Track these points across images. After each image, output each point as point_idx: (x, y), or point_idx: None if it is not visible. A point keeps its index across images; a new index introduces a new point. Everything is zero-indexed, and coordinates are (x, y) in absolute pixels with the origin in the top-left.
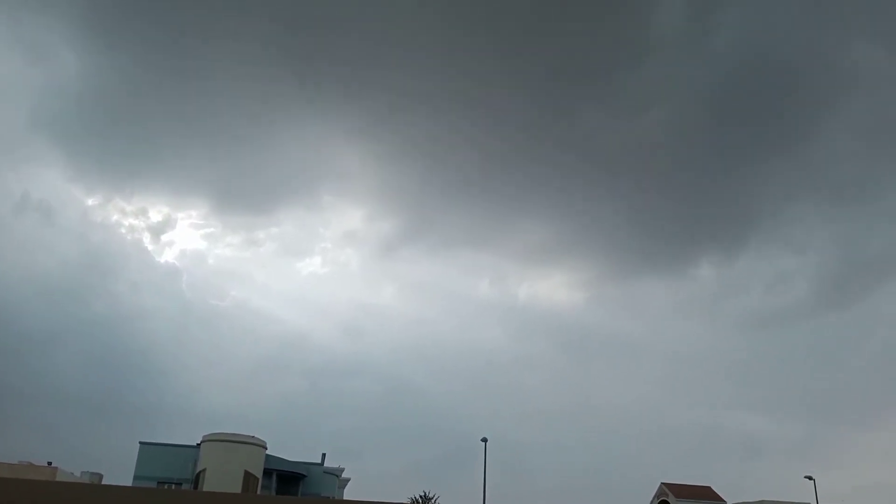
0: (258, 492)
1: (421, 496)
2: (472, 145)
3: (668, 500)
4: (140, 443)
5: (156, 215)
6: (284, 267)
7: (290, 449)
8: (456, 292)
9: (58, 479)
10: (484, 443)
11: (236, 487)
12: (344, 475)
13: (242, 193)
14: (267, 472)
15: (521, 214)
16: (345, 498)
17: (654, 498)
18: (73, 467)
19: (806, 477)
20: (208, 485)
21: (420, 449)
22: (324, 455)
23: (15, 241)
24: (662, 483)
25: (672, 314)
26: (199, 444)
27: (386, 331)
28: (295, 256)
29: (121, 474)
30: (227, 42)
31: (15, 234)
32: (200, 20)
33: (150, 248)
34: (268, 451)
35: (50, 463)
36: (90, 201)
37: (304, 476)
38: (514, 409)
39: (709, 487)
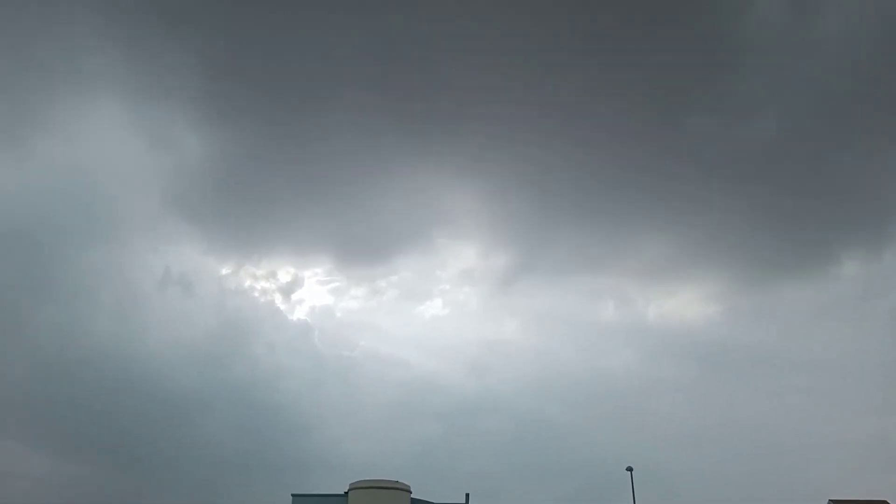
0: None
1: None
2: (579, 167)
3: None
4: (292, 495)
5: (284, 276)
6: (407, 312)
7: (433, 492)
8: (579, 319)
9: None
10: (629, 472)
11: None
12: None
13: (361, 245)
14: None
15: (639, 231)
16: None
17: None
18: None
19: None
20: None
21: (562, 484)
22: (467, 495)
23: (162, 315)
24: (830, 501)
25: (815, 318)
26: (346, 493)
27: (512, 366)
28: (416, 301)
29: None
30: (332, 101)
31: (161, 308)
32: (303, 83)
33: (281, 307)
34: (413, 495)
35: None
36: (224, 270)
37: None
38: (657, 435)
39: (885, 502)
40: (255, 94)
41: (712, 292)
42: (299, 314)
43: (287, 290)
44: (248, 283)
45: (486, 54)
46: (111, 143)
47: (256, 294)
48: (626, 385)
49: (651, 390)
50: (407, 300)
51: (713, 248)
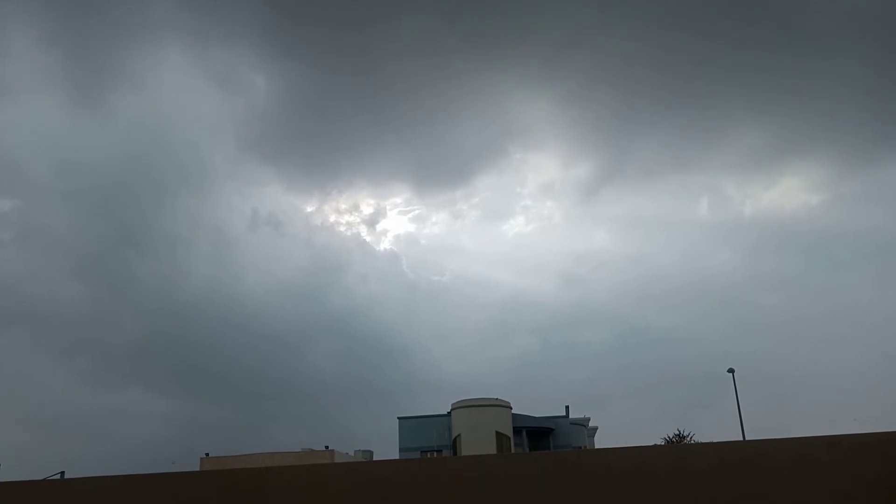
0: (512, 449)
1: (675, 435)
2: (660, 55)
3: None
4: (398, 418)
5: (367, 208)
6: (490, 232)
7: (535, 406)
8: (672, 221)
9: (336, 460)
10: (731, 374)
11: (491, 447)
12: (591, 424)
13: (438, 170)
14: (517, 430)
15: (730, 120)
16: (596, 446)
17: None
18: (347, 448)
19: None
20: (465, 448)
21: (666, 389)
22: (567, 407)
23: (255, 254)
24: None
25: None
26: (449, 413)
27: (605, 275)
28: (499, 220)
29: (389, 448)
30: (394, 25)
31: (254, 248)
32: (363, 10)
33: (367, 239)
34: (513, 411)
35: (327, 447)
36: (308, 208)
37: (553, 430)
38: (764, 334)
39: None
40: (316, 28)
41: (813, 180)
42: (385, 244)
43: (371, 222)
44: (332, 217)
45: None
46: (183, 93)
47: (342, 228)
48: (727, 284)
49: (754, 288)
50: (489, 221)
51: (810, 132)
